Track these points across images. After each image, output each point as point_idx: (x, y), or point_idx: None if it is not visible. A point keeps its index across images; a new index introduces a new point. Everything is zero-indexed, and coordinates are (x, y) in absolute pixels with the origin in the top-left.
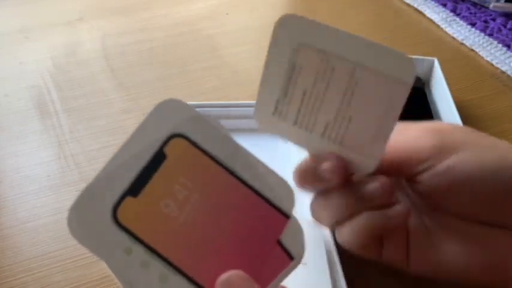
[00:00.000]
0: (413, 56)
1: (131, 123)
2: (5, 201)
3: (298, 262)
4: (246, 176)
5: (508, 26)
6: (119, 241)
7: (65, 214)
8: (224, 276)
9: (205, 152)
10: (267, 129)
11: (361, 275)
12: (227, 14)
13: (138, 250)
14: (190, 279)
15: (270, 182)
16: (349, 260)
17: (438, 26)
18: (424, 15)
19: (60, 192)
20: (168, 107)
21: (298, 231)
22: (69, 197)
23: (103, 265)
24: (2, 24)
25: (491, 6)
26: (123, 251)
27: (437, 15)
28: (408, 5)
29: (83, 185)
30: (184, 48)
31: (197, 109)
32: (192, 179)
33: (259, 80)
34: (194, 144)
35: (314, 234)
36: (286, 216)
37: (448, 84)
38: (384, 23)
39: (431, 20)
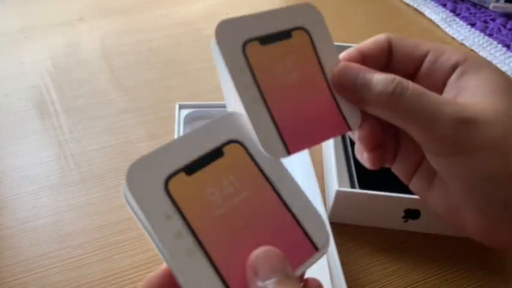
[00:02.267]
0: None
1: (131, 123)
2: (4, 201)
3: (323, 252)
4: (287, 198)
5: (508, 26)
6: (162, 205)
7: (65, 215)
8: (260, 250)
9: (256, 164)
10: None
11: (358, 264)
12: (227, 14)
13: (176, 220)
14: (212, 264)
15: (307, 213)
16: (344, 248)
17: (438, 26)
18: (424, 15)
19: (60, 192)
20: (236, 117)
21: (322, 222)
22: (69, 197)
23: (103, 265)
24: (2, 24)
25: (491, 6)
26: (163, 214)
27: (437, 16)
28: (408, 5)
29: (82, 185)
30: (184, 48)
31: (197, 109)
32: (240, 181)
33: None
34: (249, 154)
35: None
36: (316, 248)
37: None
38: (384, 23)
39: (431, 20)
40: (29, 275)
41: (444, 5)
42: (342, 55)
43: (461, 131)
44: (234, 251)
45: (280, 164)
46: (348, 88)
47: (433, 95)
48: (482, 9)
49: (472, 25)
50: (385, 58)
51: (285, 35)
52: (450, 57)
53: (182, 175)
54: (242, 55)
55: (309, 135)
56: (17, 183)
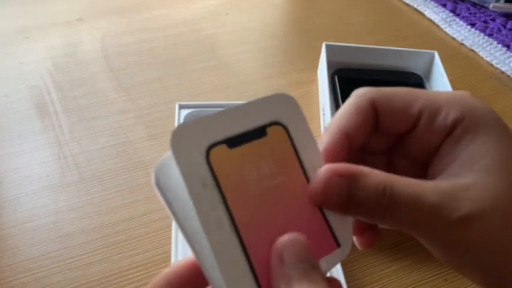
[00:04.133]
0: (414, 50)
1: (131, 123)
2: (4, 202)
3: (347, 250)
4: None
5: (508, 26)
6: (201, 171)
7: (65, 215)
8: (288, 236)
9: (295, 151)
10: None
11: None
12: (227, 14)
13: (212, 188)
14: (240, 239)
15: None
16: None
17: (438, 26)
18: (424, 15)
19: (60, 192)
20: (284, 98)
21: (348, 221)
22: (69, 197)
23: (103, 265)
24: (2, 24)
25: (490, 6)
26: (200, 181)
27: (437, 16)
28: (408, 5)
29: (82, 185)
30: (184, 48)
31: (197, 109)
32: (277, 164)
33: (259, 79)
34: (291, 139)
35: None
36: (338, 244)
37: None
38: (383, 23)
39: (431, 21)
40: (29, 275)
41: (444, 5)
42: (324, 142)
43: (457, 233)
44: (262, 231)
45: (319, 154)
46: (333, 204)
47: (428, 198)
48: (482, 10)
49: (472, 25)
50: (371, 127)
51: (259, 133)
52: (446, 116)
53: (224, 147)
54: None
55: None
56: (17, 183)
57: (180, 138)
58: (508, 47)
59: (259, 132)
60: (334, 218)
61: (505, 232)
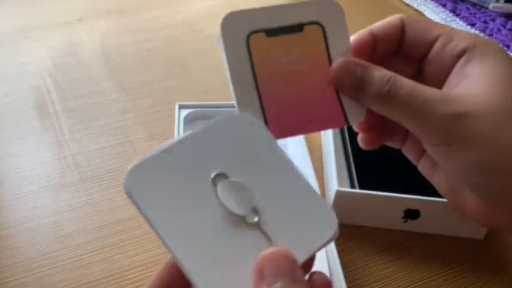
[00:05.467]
0: None
1: (131, 123)
2: (4, 202)
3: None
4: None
5: (508, 27)
6: (241, 50)
7: (65, 215)
8: (269, 251)
9: (327, 50)
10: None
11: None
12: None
13: (246, 65)
14: (257, 89)
15: None
16: (344, 248)
17: None
18: (423, 15)
19: (60, 192)
20: (330, 3)
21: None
22: (69, 197)
23: (103, 265)
24: (2, 24)
25: (490, 6)
26: (238, 58)
27: (437, 16)
28: (408, 5)
29: (82, 185)
30: (184, 48)
31: (197, 109)
32: (307, 56)
33: None
34: (325, 39)
35: None
36: (347, 120)
37: None
38: None
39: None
40: (29, 275)
41: (444, 5)
42: (354, 37)
43: (452, 125)
44: (279, 97)
45: (348, 39)
46: (345, 85)
47: (426, 92)
48: (482, 10)
49: (472, 25)
50: (397, 41)
51: (297, 28)
52: (459, 43)
53: (263, 35)
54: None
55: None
56: (17, 183)
57: (228, 22)
58: (508, 47)
59: (296, 28)
60: (347, 102)
61: (496, 133)
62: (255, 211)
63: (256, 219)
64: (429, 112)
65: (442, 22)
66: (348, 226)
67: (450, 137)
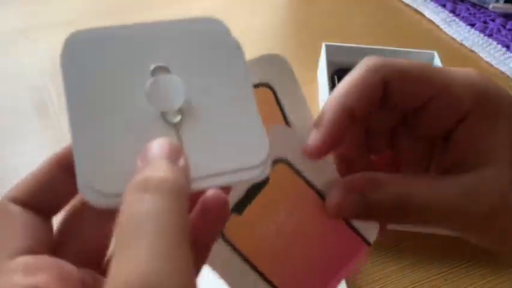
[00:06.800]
0: (413, 50)
1: None
2: None
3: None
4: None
5: (508, 27)
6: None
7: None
8: (164, 139)
9: (305, 180)
10: None
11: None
12: (227, 14)
13: (234, 254)
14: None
15: None
16: None
17: (438, 27)
18: (423, 15)
19: None
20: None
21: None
22: None
23: None
24: (2, 24)
25: (490, 6)
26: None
27: (437, 16)
28: (408, 5)
29: None
30: None
31: None
32: (289, 204)
33: None
34: (297, 172)
35: None
36: (368, 243)
37: None
38: (383, 23)
39: (430, 21)
40: None
41: (444, 6)
42: (327, 121)
43: (480, 223)
44: (284, 265)
45: (332, 168)
46: (352, 216)
47: (449, 199)
48: (482, 10)
49: (472, 25)
50: (377, 100)
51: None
52: (460, 105)
53: (234, 216)
54: None
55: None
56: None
57: None
58: (507, 47)
59: (260, 183)
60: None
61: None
62: (180, 112)
63: (177, 119)
64: (455, 219)
65: (442, 22)
66: None
67: (484, 232)
